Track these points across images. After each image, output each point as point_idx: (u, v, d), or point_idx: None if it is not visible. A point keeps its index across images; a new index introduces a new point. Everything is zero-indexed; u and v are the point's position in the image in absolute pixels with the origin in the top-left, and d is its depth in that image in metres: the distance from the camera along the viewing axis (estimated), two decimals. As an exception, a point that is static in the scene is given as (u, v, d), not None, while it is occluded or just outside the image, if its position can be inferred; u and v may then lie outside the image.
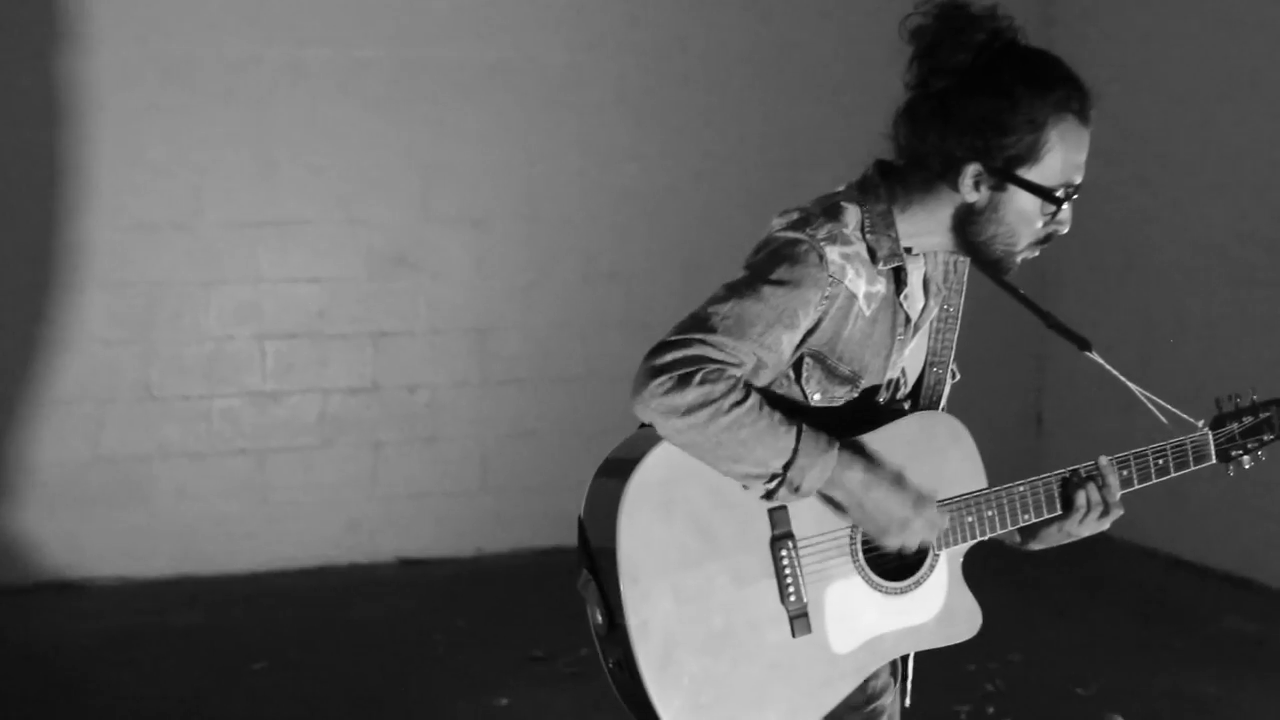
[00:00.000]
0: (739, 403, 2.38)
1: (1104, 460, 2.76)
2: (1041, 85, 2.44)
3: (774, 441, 2.41)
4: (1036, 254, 2.57)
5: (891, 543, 2.53)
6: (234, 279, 7.04)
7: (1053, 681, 5.69)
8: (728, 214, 7.54)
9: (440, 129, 7.27)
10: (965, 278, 2.74)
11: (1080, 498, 2.73)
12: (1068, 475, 2.75)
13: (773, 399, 2.51)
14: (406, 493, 7.36)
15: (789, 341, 2.48)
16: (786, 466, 2.42)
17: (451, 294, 7.36)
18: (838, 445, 2.47)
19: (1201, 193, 7.31)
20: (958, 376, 2.85)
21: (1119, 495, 2.77)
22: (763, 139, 7.69)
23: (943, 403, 2.76)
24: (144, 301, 6.95)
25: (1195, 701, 5.52)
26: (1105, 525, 2.78)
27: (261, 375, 7.12)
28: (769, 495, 2.46)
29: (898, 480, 2.53)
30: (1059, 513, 2.73)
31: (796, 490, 2.44)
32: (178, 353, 7.01)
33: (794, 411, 2.48)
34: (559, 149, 7.46)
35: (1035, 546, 2.83)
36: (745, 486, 2.46)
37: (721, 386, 2.37)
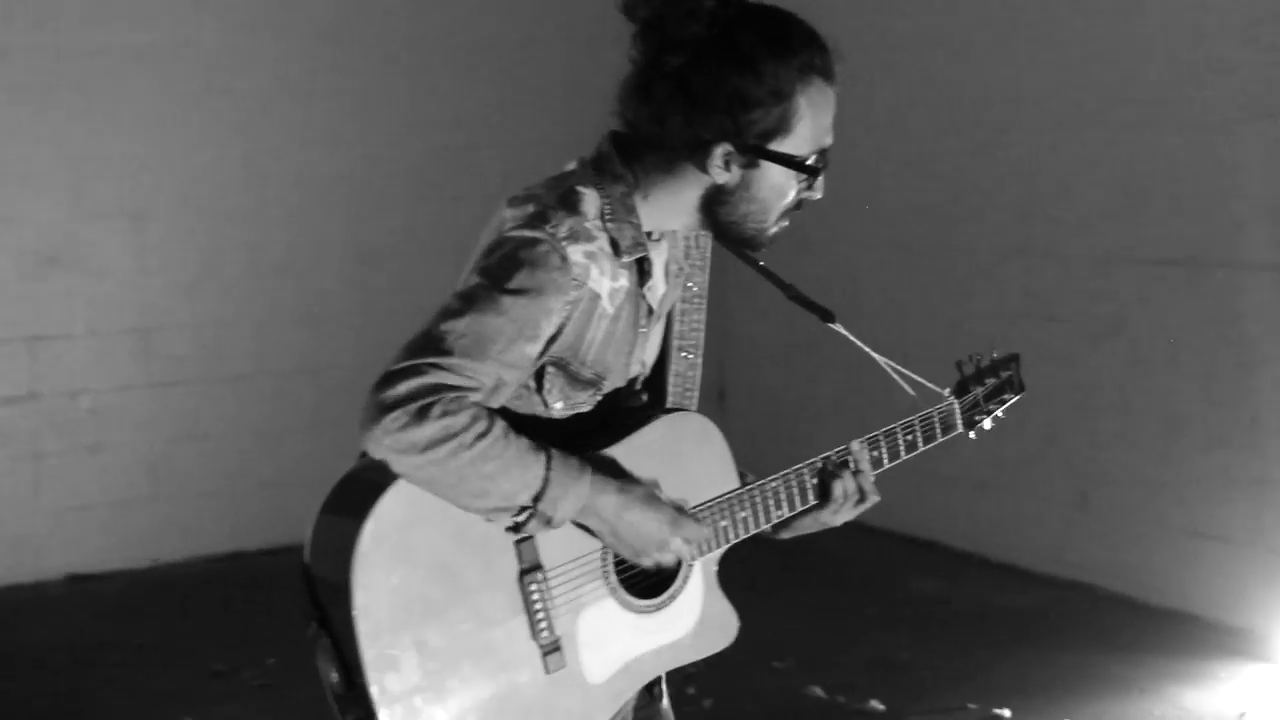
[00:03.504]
0: (483, 434, 2.19)
1: (856, 445, 2.67)
2: (784, 50, 2.30)
3: (522, 473, 2.23)
4: (787, 223, 2.45)
5: (646, 563, 2.39)
6: None
7: (749, 657, 5.66)
8: (402, 200, 7.38)
9: (90, 118, 6.90)
10: (708, 254, 2.60)
11: (837, 488, 2.63)
12: (820, 464, 2.65)
13: (512, 417, 2.34)
14: (73, 505, 6.98)
15: (532, 354, 2.30)
16: (537, 499, 2.24)
17: (111, 293, 7.00)
18: (590, 470, 2.30)
19: (869, 163, 7.42)
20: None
21: (873, 479, 2.68)
22: (433, 120, 7.53)
23: (696, 390, 2.61)
24: None
25: (889, 666, 5.61)
26: (860, 511, 2.68)
27: (-94, 388, 6.68)
28: (517, 529, 2.28)
29: (651, 499, 2.38)
30: (814, 503, 2.64)
31: (549, 522, 2.27)
32: None
33: (538, 429, 2.32)
34: (221, 137, 7.16)
35: (787, 535, 2.71)
36: (489, 520, 2.28)
37: (463, 418, 2.18)
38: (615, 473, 2.37)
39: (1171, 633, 5.86)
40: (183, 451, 7.16)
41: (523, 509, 2.25)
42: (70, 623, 6.39)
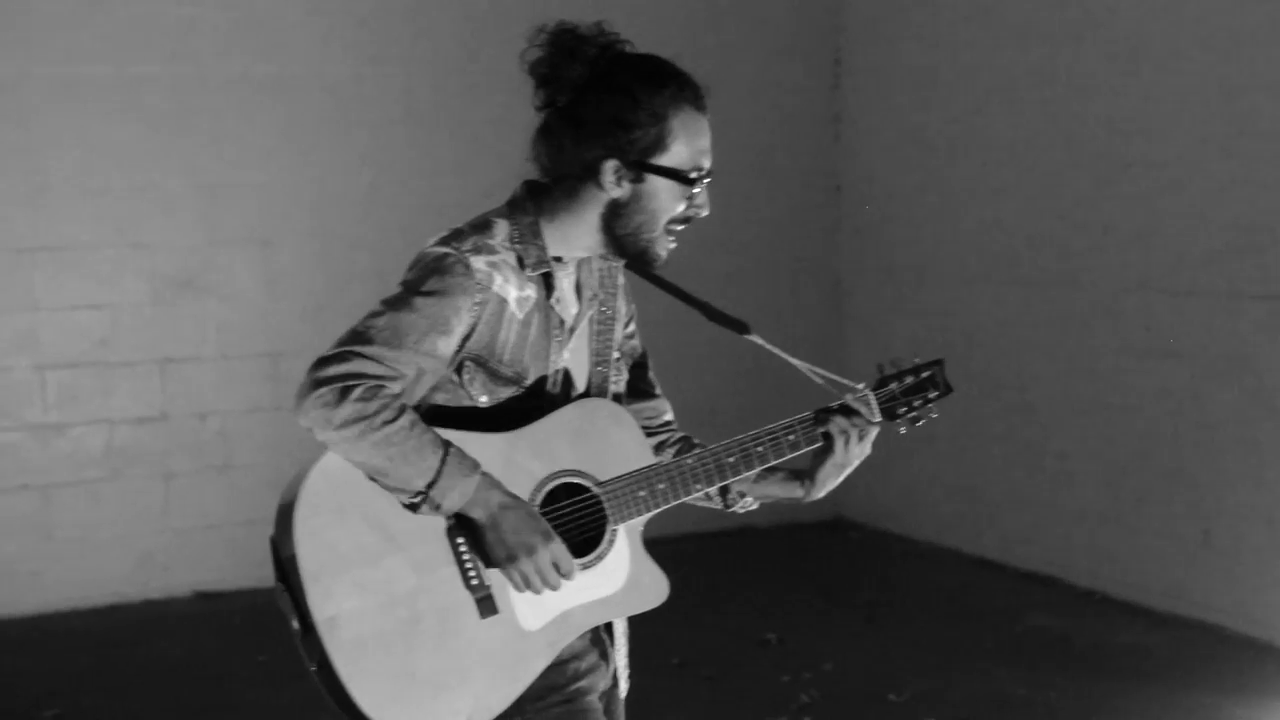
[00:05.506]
0: (390, 421, 2.53)
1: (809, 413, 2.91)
2: (655, 82, 2.69)
3: (419, 461, 2.55)
4: (673, 244, 2.76)
5: (514, 574, 2.62)
6: (9, 307, 6.76)
7: (866, 689, 5.70)
8: (524, 228, 7.43)
9: (223, 147, 7.06)
10: (620, 281, 2.92)
11: (834, 428, 2.88)
12: (808, 419, 2.88)
13: (442, 410, 2.69)
14: (201, 524, 7.13)
15: (445, 347, 2.64)
16: (429, 486, 2.56)
17: (241, 317, 7.15)
18: (480, 471, 2.60)
19: (991, 197, 7.42)
20: (645, 364, 3.02)
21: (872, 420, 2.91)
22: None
23: (609, 397, 2.88)
24: (-86, 334, 6.64)
25: (1005, 702, 5.57)
26: (868, 443, 2.92)
27: (43, 407, 6.84)
28: (412, 509, 2.58)
29: (534, 514, 2.64)
30: (731, 479, 2.84)
31: (438, 508, 2.57)
32: (-48, 387, 6.71)
33: (463, 419, 2.66)
34: (347, 165, 7.30)
35: (819, 494, 2.96)
36: (402, 501, 2.58)
37: (375, 404, 2.53)
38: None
39: (1298, 676, 5.78)
40: (309, 473, 7.27)
41: (415, 493, 2.56)
42: (196, 639, 6.51)
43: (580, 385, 2.84)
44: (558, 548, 2.64)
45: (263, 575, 7.29)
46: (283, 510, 2.59)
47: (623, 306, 2.93)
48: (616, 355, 2.91)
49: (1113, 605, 6.69)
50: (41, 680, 5.97)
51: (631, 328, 2.99)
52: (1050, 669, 5.89)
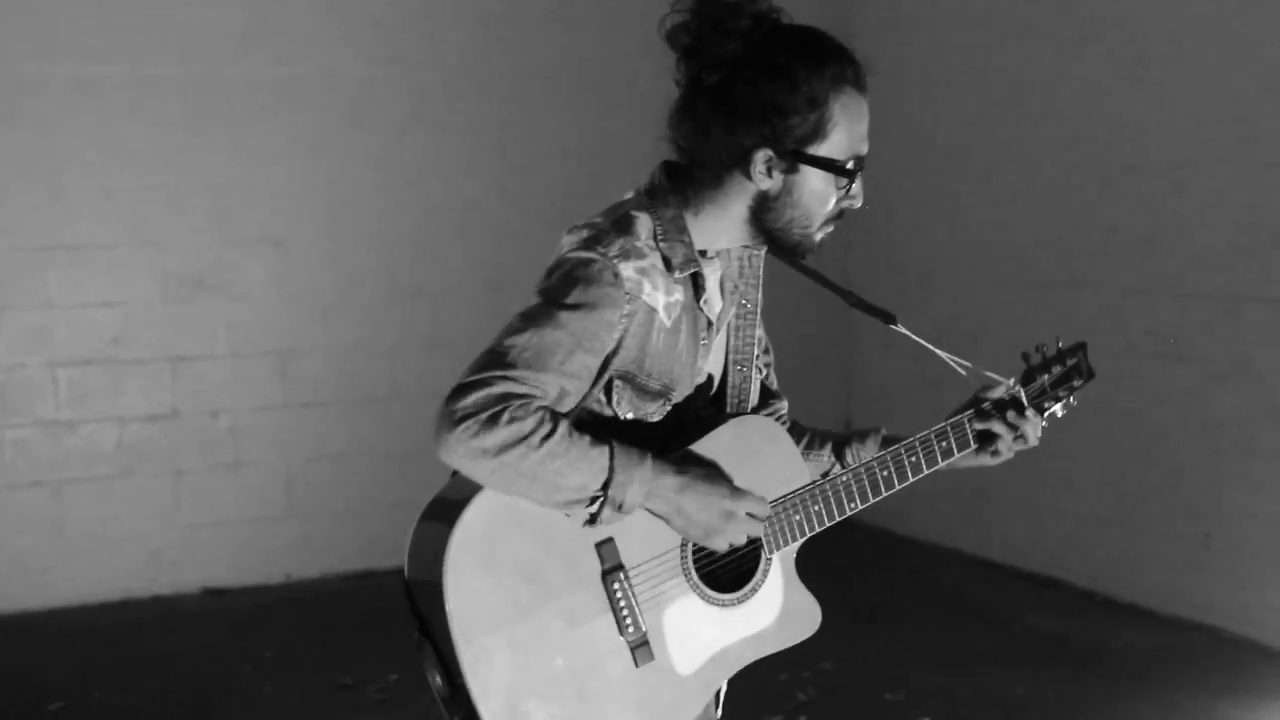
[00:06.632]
0: (549, 435, 2.33)
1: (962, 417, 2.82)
2: (816, 61, 2.43)
3: (588, 465, 2.36)
4: (830, 230, 2.55)
5: (720, 542, 2.49)
6: (22, 305, 6.82)
7: (863, 688, 5.74)
8: (532, 228, 7.45)
9: (236, 148, 7.12)
10: (760, 271, 2.70)
11: (998, 427, 2.79)
12: (969, 413, 2.80)
13: (586, 422, 2.48)
14: (210, 520, 7.19)
15: (592, 365, 2.42)
16: (606, 486, 2.37)
17: (252, 316, 7.21)
18: (649, 456, 2.42)
19: (997, 200, 7.46)
20: (769, 362, 2.85)
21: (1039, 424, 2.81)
22: (566, 151, 7.66)
23: (752, 400, 2.73)
24: (-72, 331, 6.71)
25: (1003, 702, 5.60)
26: (1019, 447, 2.82)
27: (55, 404, 6.91)
28: (593, 519, 2.41)
29: (710, 477, 2.50)
30: (890, 490, 2.76)
31: (620, 508, 2.40)
32: (-35, 383, 6.78)
33: (608, 431, 2.45)
34: (359, 166, 7.36)
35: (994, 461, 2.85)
36: (568, 515, 2.41)
37: (530, 422, 2.32)
38: (675, 460, 2.48)
39: (1294, 677, 5.81)
40: (318, 471, 7.34)
41: (593, 499, 2.38)
42: (204, 634, 6.56)
43: (717, 386, 2.68)
44: (749, 500, 2.49)
45: (270, 571, 7.40)
46: (429, 564, 2.40)
47: (759, 298, 2.72)
48: (758, 353, 2.73)
49: (1113, 607, 6.72)
50: (50, 674, 6.02)
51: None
52: (1050, 670, 5.93)
